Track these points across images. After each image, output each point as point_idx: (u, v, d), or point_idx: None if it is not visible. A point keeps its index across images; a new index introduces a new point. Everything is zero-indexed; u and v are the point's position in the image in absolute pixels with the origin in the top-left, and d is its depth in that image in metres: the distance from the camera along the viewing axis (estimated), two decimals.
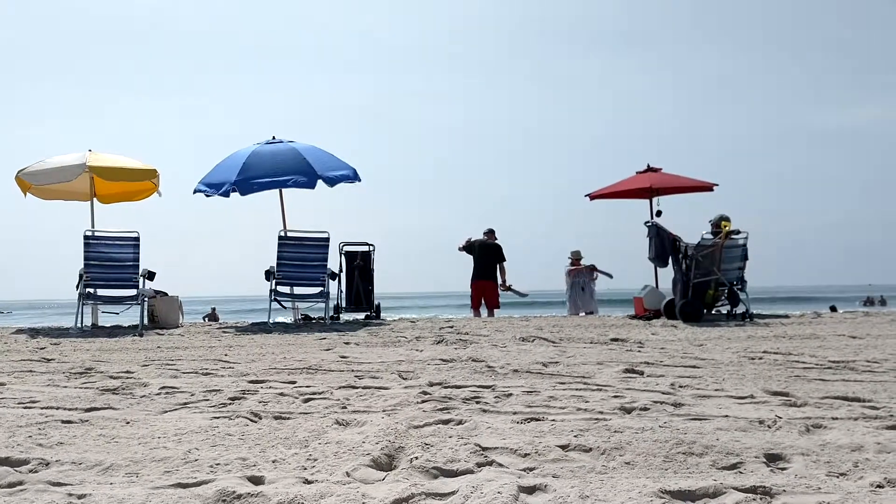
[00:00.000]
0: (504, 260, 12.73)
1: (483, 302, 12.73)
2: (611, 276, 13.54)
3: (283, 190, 10.69)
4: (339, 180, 10.06)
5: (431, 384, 4.29)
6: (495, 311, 12.67)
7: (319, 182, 9.91)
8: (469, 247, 12.81)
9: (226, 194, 9.94)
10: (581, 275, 13.44)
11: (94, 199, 10.74)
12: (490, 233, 12.89)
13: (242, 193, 10.02)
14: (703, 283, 9.63)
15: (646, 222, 10.20)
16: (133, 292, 9.53)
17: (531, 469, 2.46)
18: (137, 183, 10.77)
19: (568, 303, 13.61)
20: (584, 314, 12.84)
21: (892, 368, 4.83)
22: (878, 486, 2.24)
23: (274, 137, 10.71)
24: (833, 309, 18.54)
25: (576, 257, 13.62)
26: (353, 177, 10.31)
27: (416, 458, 2.57)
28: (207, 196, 10.13)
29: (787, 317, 10.16)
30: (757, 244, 10.44)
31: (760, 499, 2.07)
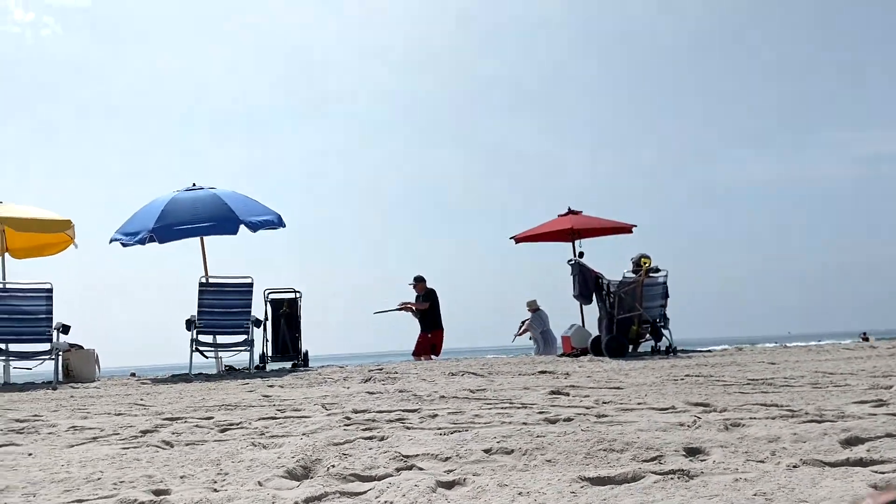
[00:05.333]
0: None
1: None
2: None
3: (206, 238, 10.45)
4: (262, 226, 9.87)
5: (356, 411, 4.19)
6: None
7: (242, 228, 9.73)
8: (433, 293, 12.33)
9: (142, 242, 9.65)
10: (538, 324, 13.03)
11: (6, 254, 10.29)
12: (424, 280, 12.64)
13: (161, 241, 9.73)
14: (627, 319, 9.76)
15: (569, 261, 10.31)
16: (46, 346, 9.10)
17: (451, 470, 2.40)
18: (51, 235, 10.38)
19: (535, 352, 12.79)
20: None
21: (809, 383, 4.95)
22: (794, 467, 2.26)
23: (194, 184, 10.50)
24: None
25: (532, 307, 13.33)
26: (278, 223, 10.13)
27: (333, 466, 2.48)
28: (124, 245, 9.82)
29: (709, 351, 10.37)
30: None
31: (678, 478, 2.06)
